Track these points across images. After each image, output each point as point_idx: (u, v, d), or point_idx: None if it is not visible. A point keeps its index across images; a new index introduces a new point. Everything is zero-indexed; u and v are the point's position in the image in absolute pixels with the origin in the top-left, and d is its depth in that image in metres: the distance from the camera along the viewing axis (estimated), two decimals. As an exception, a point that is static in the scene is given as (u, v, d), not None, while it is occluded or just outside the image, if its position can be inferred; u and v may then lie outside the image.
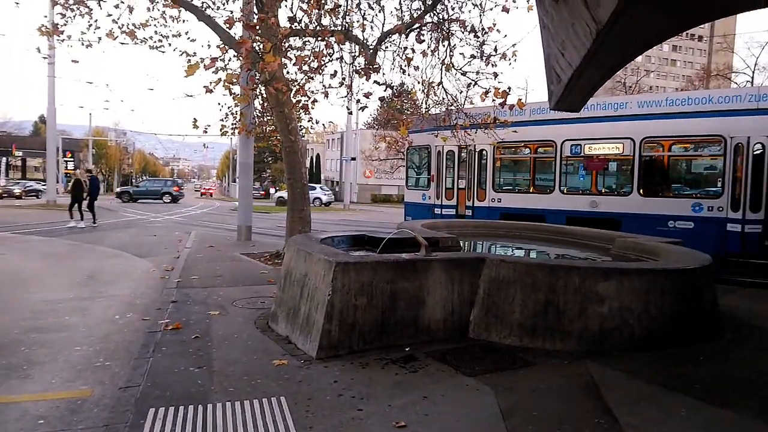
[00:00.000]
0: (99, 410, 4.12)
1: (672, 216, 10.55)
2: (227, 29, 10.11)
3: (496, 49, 9.39)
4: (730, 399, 4.33)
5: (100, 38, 12.05)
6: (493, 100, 8.96)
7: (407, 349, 5.29)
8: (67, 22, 12.19)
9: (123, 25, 11.91)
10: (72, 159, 72.25)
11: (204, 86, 6.85)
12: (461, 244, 7.85)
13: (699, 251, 7.16)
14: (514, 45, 9.85)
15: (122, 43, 12.12)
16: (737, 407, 4.17)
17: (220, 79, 6.86)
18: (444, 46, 9.27)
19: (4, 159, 67.04)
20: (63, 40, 12.27)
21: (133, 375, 4.63)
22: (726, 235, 10.10)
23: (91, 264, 11.23)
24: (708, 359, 5.38)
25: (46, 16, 15.29)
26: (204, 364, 4.88)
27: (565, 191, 12.35)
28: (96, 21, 12.12)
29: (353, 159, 47.63)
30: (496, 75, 9.20)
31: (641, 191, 11.09)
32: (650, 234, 9.25)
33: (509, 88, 8.76)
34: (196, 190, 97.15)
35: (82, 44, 12.28)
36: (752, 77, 47.19)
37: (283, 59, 8.19)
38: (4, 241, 15.01)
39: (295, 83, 8.14)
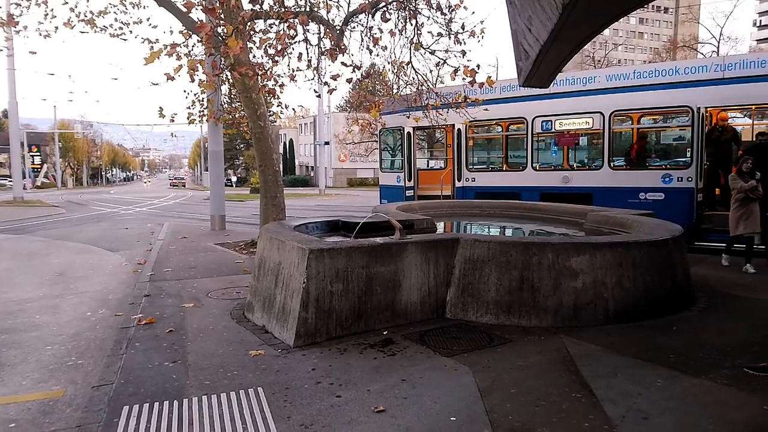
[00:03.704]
0: (72, 410, 4.03)
1: (643, 188, 10.68)
2: (187, 14, 9.85)
3: (463, 27, 9.29)
4: (704, 368, 4.41)
5: (57, 27, 11.67)
6: (463, 79, 8.90)
7: (385, 333, 5.28)
8: (22, 12, 11.77)
9: (81, 13, 11.56)
10: (38, 153, 70.53)
11: (165, 73, 6.66)
12: (436, 226, 7.84)
13: (670, 222, 7.26)
14: (481, 22, 9.79)
15: (82, 32, 11.78)
16: (711, 376, 4.24)
17: (181, 66, 6.67)
18: (411, 24, 9.15)
19: (-34, 156, 65.18)
20: (19, 31, 11.86)
21: (106, 373, 4.54)
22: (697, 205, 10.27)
23: (61, 260, 10.99)
24: (682, 329, 5.47)
25: (0, 7, 14.74)
26: (179, 358, 4.80)
27: (537, 168, 12.40)
28: (52, 10, 11.72)
29: (327, 143, 47.33)
30: (464, 53, 9.12)
31: (612, 165, 11.19)
32: (622, 207, 9.37)
33: (478, 66, 8.69)
34: (168, 180, 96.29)
35: (40, 35, 11.90)
36: (717, 47, 47.97)
37: (247, 43, 8.00)
38: (-31, 241, 14.59)
39: (261, 67, 7.97)
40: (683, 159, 10.99)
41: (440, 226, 8.68)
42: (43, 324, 6.42)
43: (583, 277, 5.55)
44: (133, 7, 12.04)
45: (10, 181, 43.24)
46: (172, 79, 6.74)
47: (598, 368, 4.40)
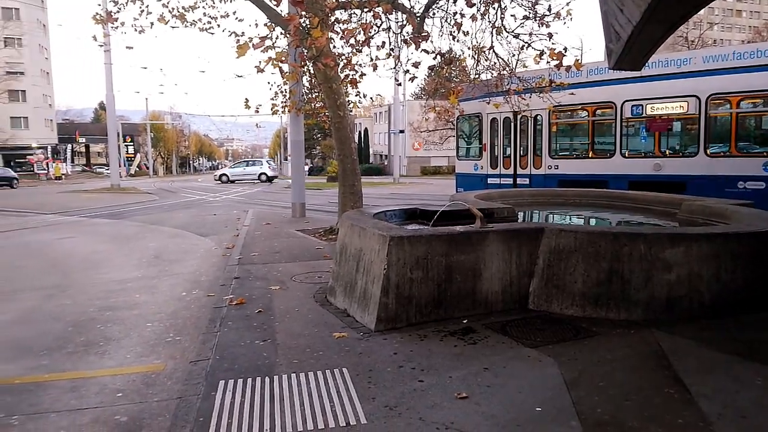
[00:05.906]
0: (172, 383, 4.32)
1: (741, 176, 10.00)
2: (274, 6, 10.13)
3: (549, 9, 9.01)
4: (811, 367, 4.10)
5: (152, 23, 12.35)
6: (548, 63, 8.64)
7: (465, 321, 5.26)
8: (120, 9, 12.55)
9: (173, 8, 12.16)
10: (132, 143, 75.15)
11: (255, 66, 6.89)
12: (517, 214, 7.69)
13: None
14: (568, 3, 9.46)
15: (173, 27, 12.40)
16: (820, 376, 3.94)
17: (270, 58, 6.89)
18: (494, 8, 8.97)
19: (69, 146, 70.63)
20: (117, 27, 12.65)
21: (203, 349, 4.81)
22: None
23: (155, 244, 11.71)
24: (786, 326, 5.11)
25: (99, 5, 15.78)
26: (268, 337, 5.02)
27: (626, 155, 11.87)
28: (147, 6, 12.42)
29: (401, 132, 47.31)
30: (550, 36, 8.82)
31: (708, 151, 10.54)
32: (719, 196, 8.81)
33: (565, 49, 8.40)
34: None
35: (135, 30, 12.65)
36: (829, 23, 43.72)
37: (330, 34, 8.14)
38: (74, 226, 15.86)
39: (343, 57, 8.09)
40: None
41: (521, 216, 8.51)
42: (142, 303, 6.89)
43: (677, 270, 5.28)
44: (221, 1, 12.54)
45: (108, 169, 46.42)
46: (262, 71, 6.97)
47: (693, 363, 4.19)
